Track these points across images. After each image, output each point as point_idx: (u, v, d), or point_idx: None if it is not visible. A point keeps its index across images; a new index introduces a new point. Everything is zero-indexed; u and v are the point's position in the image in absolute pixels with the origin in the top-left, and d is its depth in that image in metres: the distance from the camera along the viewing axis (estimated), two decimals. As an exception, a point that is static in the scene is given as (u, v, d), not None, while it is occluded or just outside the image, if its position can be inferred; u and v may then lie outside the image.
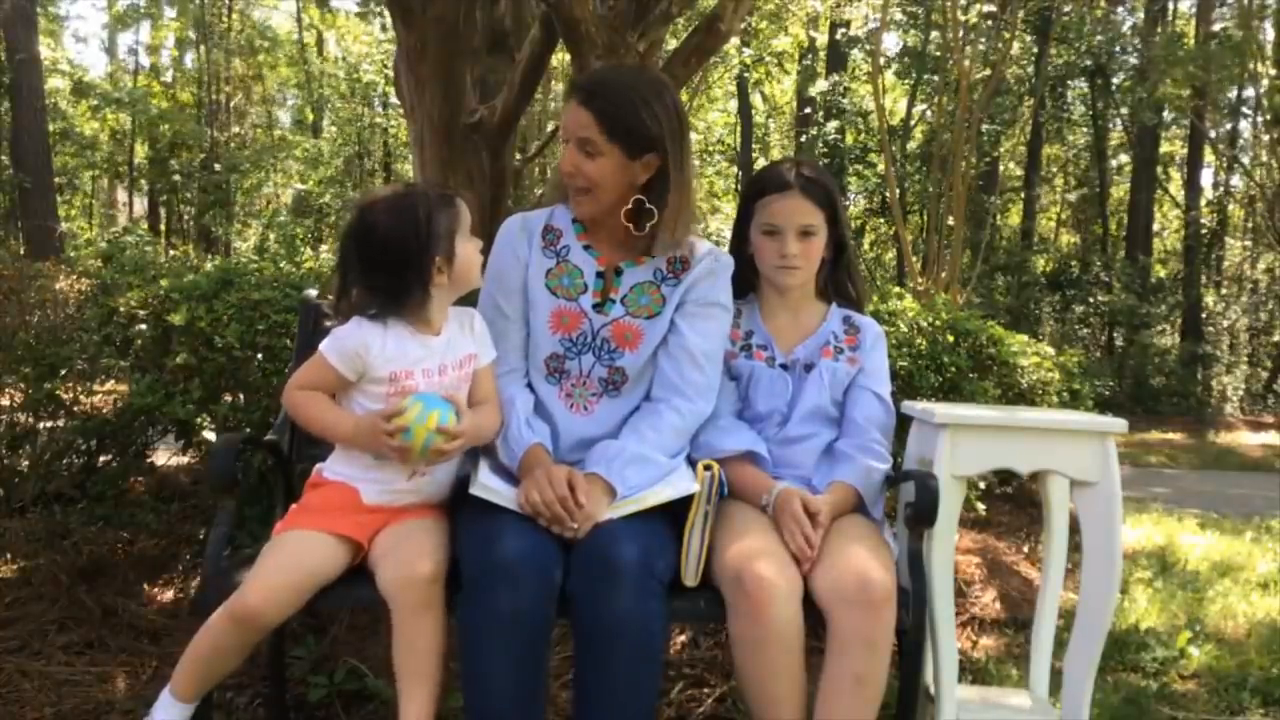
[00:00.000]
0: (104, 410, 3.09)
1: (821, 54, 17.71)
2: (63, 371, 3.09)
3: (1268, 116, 14.73)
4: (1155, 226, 18.71)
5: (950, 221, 10.26)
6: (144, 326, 2.84)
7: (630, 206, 1.95)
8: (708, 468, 1.88)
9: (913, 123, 17.23)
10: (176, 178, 19.79)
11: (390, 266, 1.81)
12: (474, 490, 1.83)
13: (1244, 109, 17.18)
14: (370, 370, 1.83)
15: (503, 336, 2.00)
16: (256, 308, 2.76)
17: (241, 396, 2.88)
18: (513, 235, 2.05)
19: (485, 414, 1.91)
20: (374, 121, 17.81)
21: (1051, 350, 4.14)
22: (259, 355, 2.78)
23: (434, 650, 1.74)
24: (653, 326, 1.99)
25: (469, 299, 2.00)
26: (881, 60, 13.28)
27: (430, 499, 1.91)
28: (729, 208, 17.54)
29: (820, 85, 16.26)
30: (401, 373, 1.83)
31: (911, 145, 16.64)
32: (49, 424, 3.15)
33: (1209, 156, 18.24)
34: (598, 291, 2.00)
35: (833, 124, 16.54)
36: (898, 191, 12.83)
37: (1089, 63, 16.17)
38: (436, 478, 1.90)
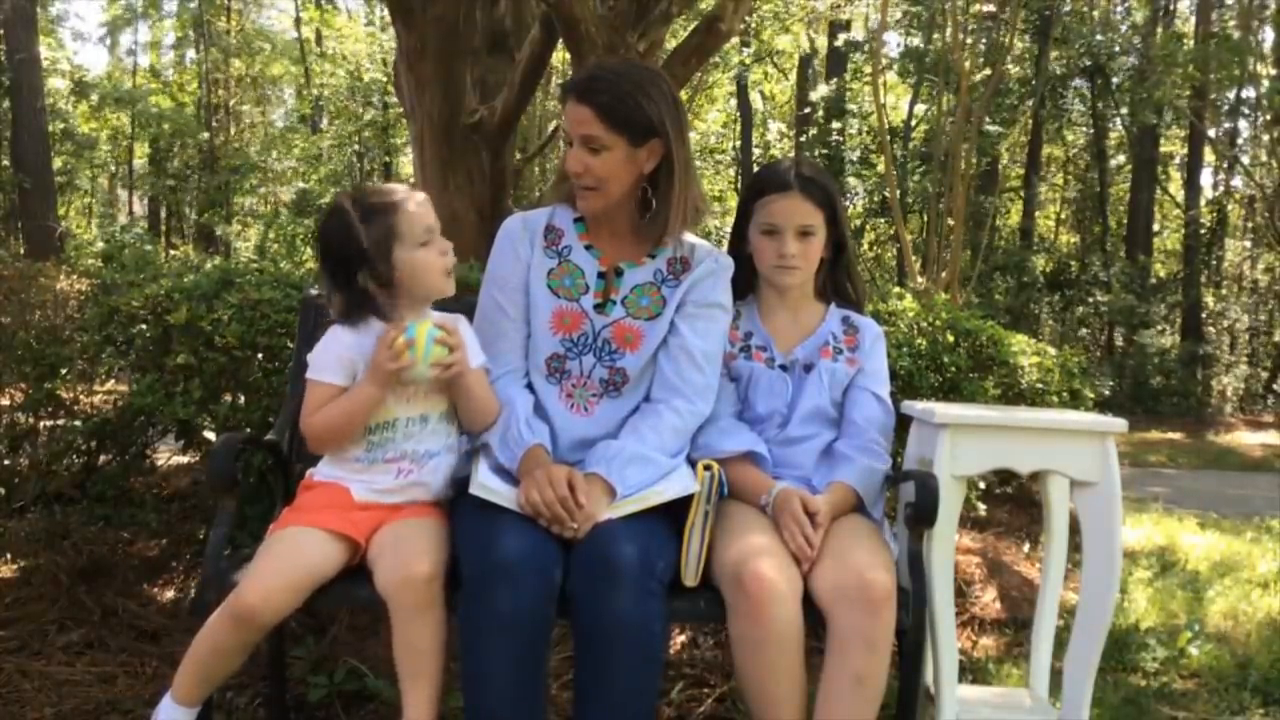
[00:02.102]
0: (104, 410, 3.09)
1: (822, 54, 17.73)
2: (63, 371, 3.08)
3: (1267, 116, 14.73)
4: (1155, 226, 18.70)
5: (950, 221, 10.27)
6: (144, 326, 2.84)
7: (639, 195, 1.96)
8: (708, 468, 1.88)
9: (914, 123, 17.23)
10: (172, 181, 19.81)
11: (333, 272, 1.87)
12: (473, 490, 1.84)
13: (1244, 109, 17.18)
14: (360, 373, 1.84)
15: (503, 336, 2.00)
16: (257, 307, 2.76)
17: (242, 397, 2.88)
18: (514, 235, 2.05)
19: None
20: (374, 120, 17.81)
21: (1053, 350, 4.14)
22: (259, 355, 2.78)
23: (434, 650, 1.74)
24: (653, 328, 1.99)
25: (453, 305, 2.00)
26: (882, 61, 13.28)
27: (423, 498, 1.91)
28: (723, 207, 17.54)
29: (822, 90, 16.28)
30: None
31: (912, 145, 16.64)
32: (49, 424, 3.15)
33: (1209, 156, 18.24)
34: (599, 292, 2.00)
35: (833, 124, 16.54)
36: (898, 192, 12.83)
37: (1089, 63, 16.17)
38: (423, 477, 1.90)
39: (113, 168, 22.78)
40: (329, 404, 1.85)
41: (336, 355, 1.86)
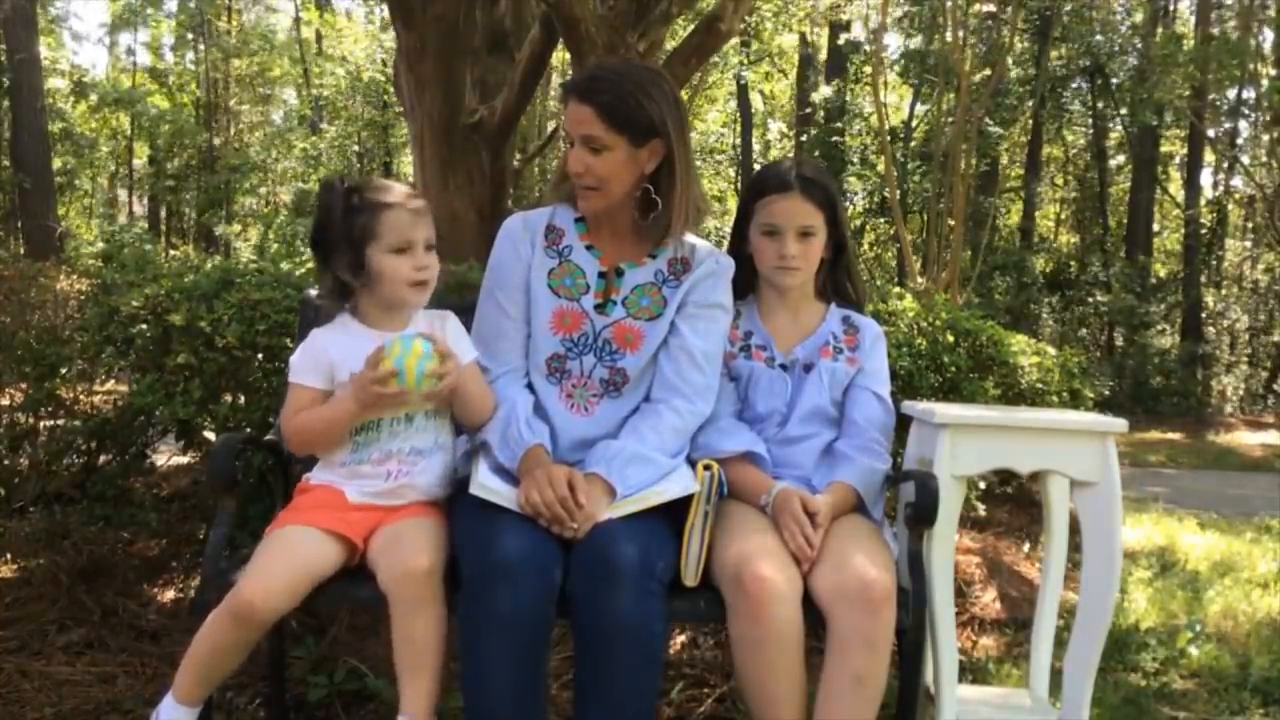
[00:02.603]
0: (104, 410, 3.09)
1: (823, 54, 17.73)
2: (63, 371, 3.08)
3: (1267, 117, 14.73)
4: (1155, 226, 18.70)
5: (950, 221, 10.26)
6: (144, 326, 2.83)
7: (639, 195, 1.96)
8: (707, 467, 1.88)
9: (915, 123, 17.23)
10: (170, 181, 19.79)
11: (316, 249, 1.90)
12: (473, 490, 1.84)
13: (1244, 109, 17.18)
14: (337, 374, 1.85)
15: (503, 335, 2.00)
16: (257, 308, 2.76)
17: (242, 397, 2.88)
18: (514, 234, 2.05)
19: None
20: (373, 120, 17.80)
21: (1052, 350, 4.14)
22: (259, 355, 2.78)
23: (432, 643, 1.74)
24: (654, 328, 1.99)
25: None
26: (883, 62, 13.28)
27: (418, 499, 1.91)
28: (723, 207, 17.53)
29: (824, 91, 16.29)
30: None
31: (912, 145, 16.64)
32: (49, 424, 3.15)
33: (1209, 157, 18.24)
34: (599, 292, 2.00)
35: (834, 125, 16.53)
36: (898, 192, 12.83)
37: (1089, 63, 16.17)
38: (415, 479, 1.90)
39: (113, 167, 22.78)
40: (309, 409, 1.85)
41: (314, 358, 1.88)
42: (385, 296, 1.89)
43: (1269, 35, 14.85)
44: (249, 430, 2.71)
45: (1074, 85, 17.58)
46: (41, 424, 3.15)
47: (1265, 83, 13.70)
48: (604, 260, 2.02)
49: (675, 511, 1.85)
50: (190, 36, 21.65)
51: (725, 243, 2.22)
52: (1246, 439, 11.97)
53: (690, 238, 2.05)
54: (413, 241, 1.86)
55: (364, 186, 1.89)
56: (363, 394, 1.78)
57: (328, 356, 1.87)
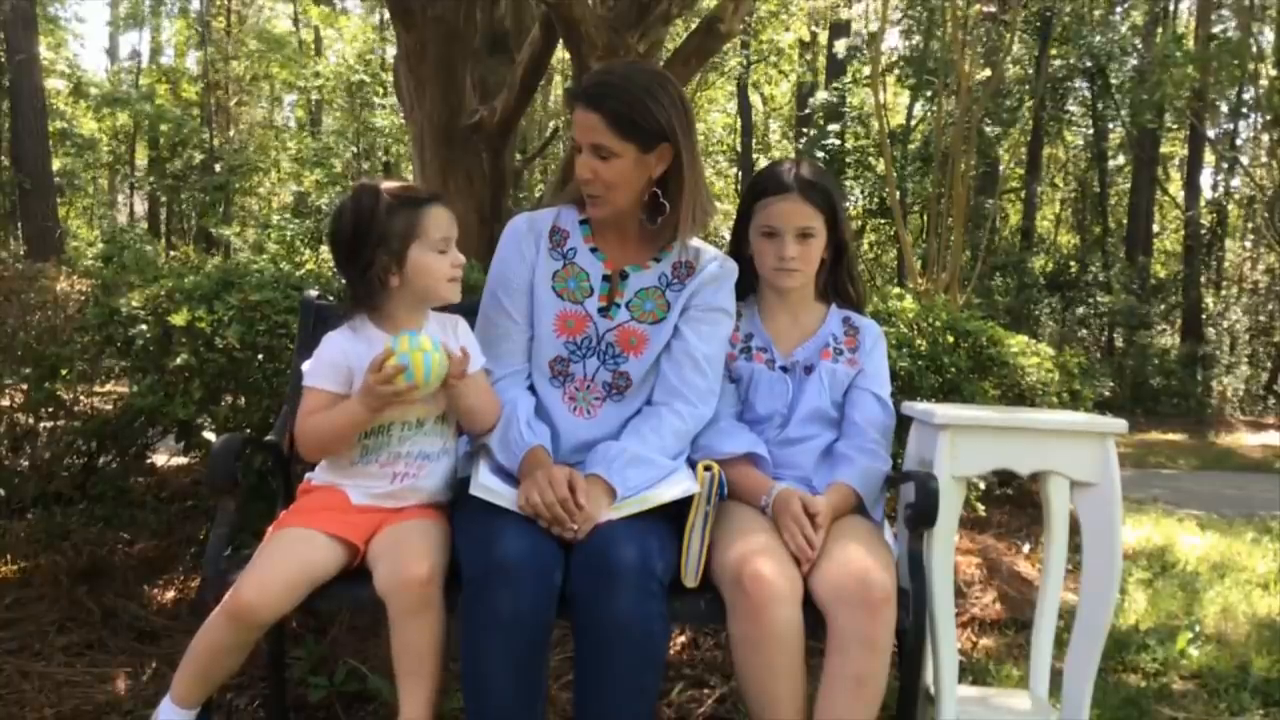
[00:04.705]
0: (104, 411, 3.09)
1: (822, 55, 17.74)
2: (63, 372, 3.08)
3: (1267, 117, 14.74)
4: (1155, 227, 18.72)
5: (950, 222, 10.27)
6: (145, 327, 2.84)
7: (647, 199, 1.96)
8: (708, 469, 1.88)
9: (914, 123, 17.24)
10: (171, 181, 19.78)
11: (339, 254, 1.88)
12: (474, 491, 1.84)
13: (1243, 110, 17.18)
14: (355, 379, 1.83)
15: (506, 337, 2.00)
16: (257, 308, 2.76)
17: (242, 397, 2.88)
18: (519, 235, 2.04)
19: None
20: (370, 122, 17.81)
21: (1052, 351, 4.15)
22: (260, 356, 2.78)
23: (431, 651, 1.74)
24: (657, 332, 1.99)
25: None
26: (882, 64, 13.28)
27: (423, 501, 1.91)
28: (722, 208, 17.55)
29: (822, 95, 16.31)
30: None
31: (912, 146, 16.64)
32: (49, 424, 3.15)
33: (1209, 157, 18.25)
34: (604, 295, 2.00)
35: (833, 126, 16.54)
36: (898, 193, 12.83)
37: (1089, 64, 16.18)
38: (420, 482, 1.90)
39: (113, 167, 22.78)
40: (320, 414, 1.84)
41: (332, 362, 1.86)
42: (422, 293, 1.88)
43: (1269, 35, 14.85)
44: (249, 431, 2.71)
45: (1074, 86, 17.58)
46: (41, 425, 3.15)
47: (1265, 83, 13.70)
48: (608, 264, 2.01)
49: (675, 512, 1.85)
50: (196, 33, 21.66)
51: (725, 244, 2.22)
52: (1247, 440, 11.97)
53: (694, 241, 2.04)
54: (449, 240, 1.88)
55: (402, 188, 1.89)
56: (371, 397, 1.77)
57: (345, 360, 1.85)
